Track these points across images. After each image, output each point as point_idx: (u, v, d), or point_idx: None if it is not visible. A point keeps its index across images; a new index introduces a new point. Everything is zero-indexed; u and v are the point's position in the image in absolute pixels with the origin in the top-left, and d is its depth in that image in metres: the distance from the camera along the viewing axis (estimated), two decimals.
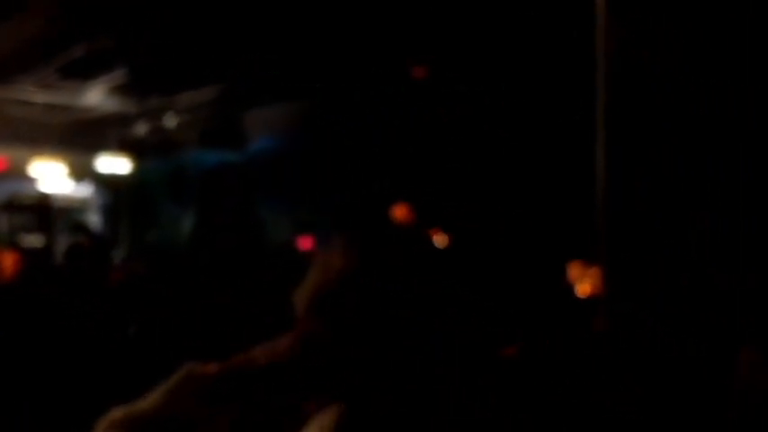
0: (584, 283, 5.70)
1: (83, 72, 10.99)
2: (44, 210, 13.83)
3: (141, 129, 13.34)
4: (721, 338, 5.03)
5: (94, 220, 15.05)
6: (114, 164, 13.57)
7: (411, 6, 7.82)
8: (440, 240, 6.07)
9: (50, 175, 13.11)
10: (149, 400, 1.52)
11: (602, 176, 1.41)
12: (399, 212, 6.24)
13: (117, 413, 1.53)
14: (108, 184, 14.46)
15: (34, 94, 11.88)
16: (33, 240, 13.39)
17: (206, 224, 12.71)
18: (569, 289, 5.79)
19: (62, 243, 12.72)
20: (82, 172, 13.81)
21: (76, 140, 13.43)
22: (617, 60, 1.35)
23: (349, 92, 10.23)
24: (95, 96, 12.21)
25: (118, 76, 11.21)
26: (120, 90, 11.98)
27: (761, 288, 5.99)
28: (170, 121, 12.92)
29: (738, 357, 2.49)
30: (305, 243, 10.91)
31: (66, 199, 14.21)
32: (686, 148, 6.44)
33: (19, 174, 13.04)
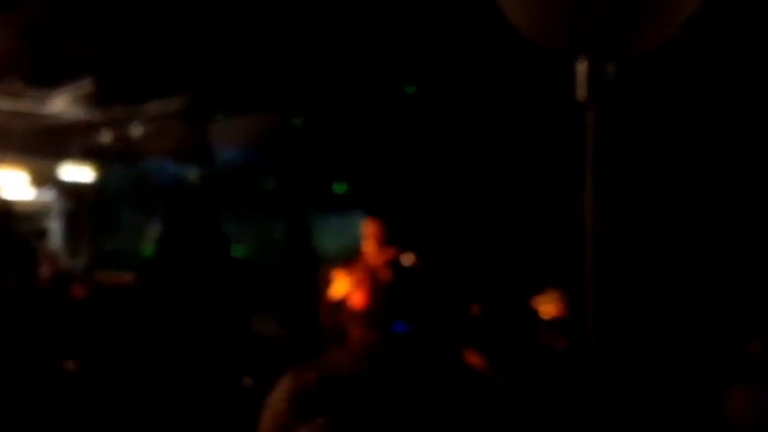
0: (547, 305, 5.80)
1: (48, 80, 10.95)
2: (4, 216, 13.70)
3: (106, 137, 13.27)
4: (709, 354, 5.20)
5: (56, 226, 14.96)
6: (78, 172, 13.49)
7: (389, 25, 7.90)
8: (407, 260, 6.08)
9: (12, 182, 12.99)
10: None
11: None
12: (369, 229, 6.18)
13: None
14: (71, 191, 14.38)
15: None
16: None
17: (171, 238, 12.67)
18: (533, 311, 5.89)
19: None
20: (44, 179, 13.72)
21: (40, 148, 13.34)
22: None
23: (321, 104, 10.28)
24: (60, 104, 12.16)
25: (84, 84, 11.18)
26: (86, 98, 11.94)
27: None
28: (135, 130, 12.87)
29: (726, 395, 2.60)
30: None
31: (27, 205, 14.10)
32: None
33: None
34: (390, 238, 6.04)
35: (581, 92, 1.56)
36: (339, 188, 10.13)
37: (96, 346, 6.44)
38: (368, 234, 6.03)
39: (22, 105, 12.02)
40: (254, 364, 6.43)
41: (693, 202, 7.22)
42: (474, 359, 5.24)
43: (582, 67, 1.56)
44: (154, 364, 6.14)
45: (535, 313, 5.88)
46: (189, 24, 8.66)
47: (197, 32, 8.91)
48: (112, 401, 5.66)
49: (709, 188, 7.17)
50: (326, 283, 5.95)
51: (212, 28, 8.73)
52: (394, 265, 6.02)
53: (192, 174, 12.64)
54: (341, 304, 5.80)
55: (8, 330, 6.40)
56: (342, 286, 5.88)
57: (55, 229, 14.97)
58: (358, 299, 5.88)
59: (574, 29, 1.50)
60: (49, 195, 14.66)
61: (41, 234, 14.52)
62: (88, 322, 6.65)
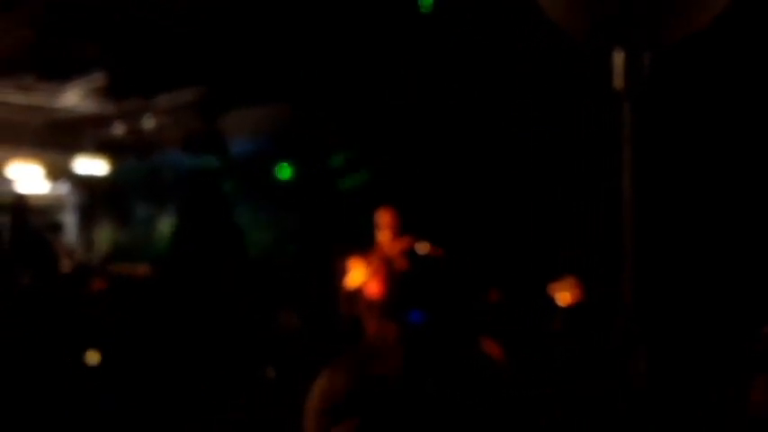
0: (564, 293, 5.83)
1: (61, 74, 10.98)
2: (19, 210, 13.76)
3: (118, 130, 13.32)
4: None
5: (70, 220, 15.02)
6: (91, 165, 13.55)
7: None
8: (422, 249, 6.06)
9: (27, 176, 13.06)
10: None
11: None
12: (384, 218, 6.15)
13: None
14: (85, 184, 14.43)
15: (12, 96, 11.84)
16: None
17: (185, 229, 12.69)
18: (550, 298, 5.92)
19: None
20: (58, 172, 13.77)
21: (53, 141, 13.39)
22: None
23: (334, 94, 10.25)
24: (73, 98, 12.20)
25: (96, 78, 11.22)
26: (98, 92, 11.98)
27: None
28: (147, 122, 12.91)
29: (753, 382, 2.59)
30: None
31: (42, 199, 14.16)
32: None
33: None
34: (405, 228, 6.02)
35: (618, 82, 1.57)
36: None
37: (115, 338, 6.47)
38: (382, 223, 6.00)
39: (35, 99, 12.07)
40: (274, 356, 6.45)
41: (713, 196, 7.18)
42: (492, 348, 5.26)
43: (619, 58, 1.57)
44: (167, 355, 6.16)
45: (551, 300, 5.91)
46: (200, 16, 8.66)
47: (208, 24, 8.92)
48: (119, 396, 5.68)
49: (728, 185, 7.13)
50: (343, 272, 5.97)
51: (223, 19, 8.73)
52: (409, 254, 6.03)
53: (205, 165, 12.65)
54: (357, 293, 5.83)
55: (16, 327, 6.43)
56: (358, 275, 5.91)
57: (69, 222, 15.04)
58: (374, 288, 5.91)
59: (610, 19, 1.51)
60: (63, 189, 14.73)
61: (56, 227, 14.60)
62: (107, 315, 6.68)
